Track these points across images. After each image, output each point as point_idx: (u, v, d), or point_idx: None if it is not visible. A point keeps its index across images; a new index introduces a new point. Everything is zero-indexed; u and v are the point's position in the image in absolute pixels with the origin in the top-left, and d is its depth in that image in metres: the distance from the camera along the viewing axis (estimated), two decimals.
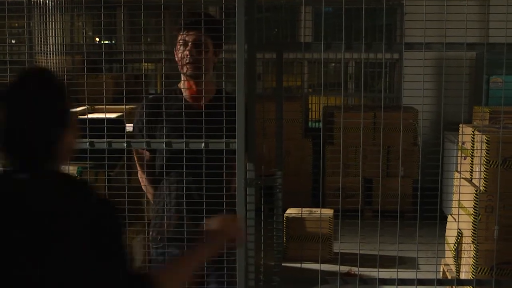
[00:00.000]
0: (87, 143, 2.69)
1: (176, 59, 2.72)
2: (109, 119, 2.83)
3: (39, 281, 1.38)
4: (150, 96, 2.97)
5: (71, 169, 3.50)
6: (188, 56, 2.63)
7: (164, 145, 2.63)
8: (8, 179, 1.46)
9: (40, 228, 1.38)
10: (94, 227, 1.42)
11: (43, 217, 1.40)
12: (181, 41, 2.67)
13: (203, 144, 2.57)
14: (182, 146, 2.59)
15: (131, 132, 2.90)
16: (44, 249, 1.38)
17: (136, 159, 2.82)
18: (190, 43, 2.64)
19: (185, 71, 2.68)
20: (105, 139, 2.68)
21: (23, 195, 1.42)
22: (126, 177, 2.79)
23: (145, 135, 2.68)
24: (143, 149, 2.74)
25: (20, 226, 1.39)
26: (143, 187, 2.85)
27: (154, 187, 2.76)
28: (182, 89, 2.74)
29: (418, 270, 3.35)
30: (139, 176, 2.85)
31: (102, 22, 2.92)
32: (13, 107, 1.44)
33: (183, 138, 2.57)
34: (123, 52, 2.95)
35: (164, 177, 2.68)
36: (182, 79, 2.75)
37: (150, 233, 2.77)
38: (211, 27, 2.64)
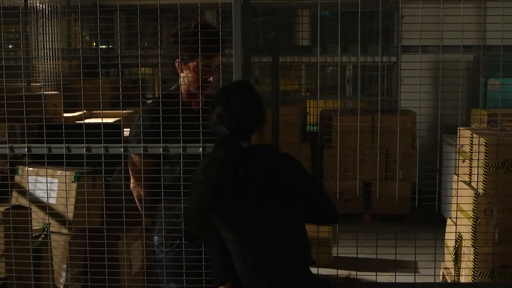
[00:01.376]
0: (84, 148, 2.68)
1: (183, 74, 2.66)
2: (106, 124, 2.81)
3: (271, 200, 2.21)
4: (150, 102, 2.91)
5: (68, 174, 3.49)
6: (214, 80, 2.63)
7: (181, 150, 2.58)
8: (235, 146, 2.23)
9: (265, 173, 2.21)
10: (291, 170, 2.26)
11: (264, 166, 2.23)
12: (202, 64, 2.59)
13: (201, 149, 2.56)
14: (179, 151, 2.59)
15: (127, 137, 2.84)
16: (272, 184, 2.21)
17: (130, 166, 2.75)
18: (214, 68, 2.63)
19: (204, 90, 2.65)
20: (102, 144, 2.67)
21: (248, 155, 2.23)
22: (123, 182, 2.77)
23: (146, 141, 2.62)
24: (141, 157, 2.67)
25: (254, 172, 2.20)
26: (134, 193, 2.77)
27: (146, 191, 2.71)
28: (181, 94, 2.71)
29: (417, 274, 3.33)
30: (132, 181, 2.75)
31: (99, 26, 2.91)
32: (235, 104, 2.22)
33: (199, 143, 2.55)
34: (119, 57, 2.94)
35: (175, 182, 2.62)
36: (186, 88, 2.69)
37: (156, 238, 2.74)
38: (221, 41, 2.62)
